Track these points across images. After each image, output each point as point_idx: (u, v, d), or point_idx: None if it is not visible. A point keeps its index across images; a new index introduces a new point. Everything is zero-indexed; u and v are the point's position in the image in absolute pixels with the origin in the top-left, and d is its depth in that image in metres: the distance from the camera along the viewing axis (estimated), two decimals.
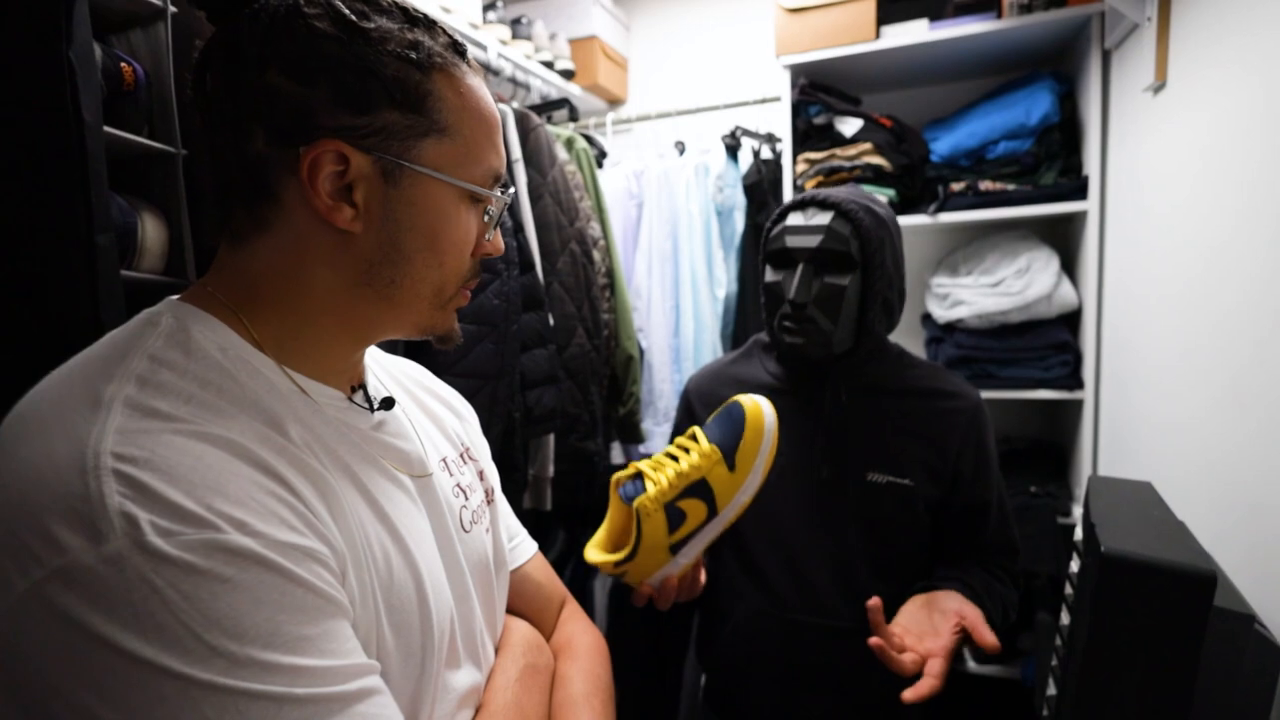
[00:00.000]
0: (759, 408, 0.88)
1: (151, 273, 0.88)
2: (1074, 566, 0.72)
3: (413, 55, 0.49)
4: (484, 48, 1.71)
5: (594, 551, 0.90)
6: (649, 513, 0.85)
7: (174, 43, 0.90)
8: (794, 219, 0.97)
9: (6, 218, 0.73)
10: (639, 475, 0.88)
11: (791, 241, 0.96)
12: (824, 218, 0.94)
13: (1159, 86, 1.21)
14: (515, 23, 1.94)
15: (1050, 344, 1.66)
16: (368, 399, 0.57)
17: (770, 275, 1.00)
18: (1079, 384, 1.63)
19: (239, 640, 0.37)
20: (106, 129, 0.78)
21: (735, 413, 0.88)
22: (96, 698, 0.35)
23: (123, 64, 0.83)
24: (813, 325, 0.95)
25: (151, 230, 0.87)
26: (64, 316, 0.75)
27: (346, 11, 0.47)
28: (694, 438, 0.89)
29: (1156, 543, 0.61)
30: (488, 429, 0.77)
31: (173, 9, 0.89)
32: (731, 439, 0.87)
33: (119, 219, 0.82)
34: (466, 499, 0.63)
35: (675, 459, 0.88)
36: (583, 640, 0.73)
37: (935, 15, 1.68)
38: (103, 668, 0.35)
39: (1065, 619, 0.70)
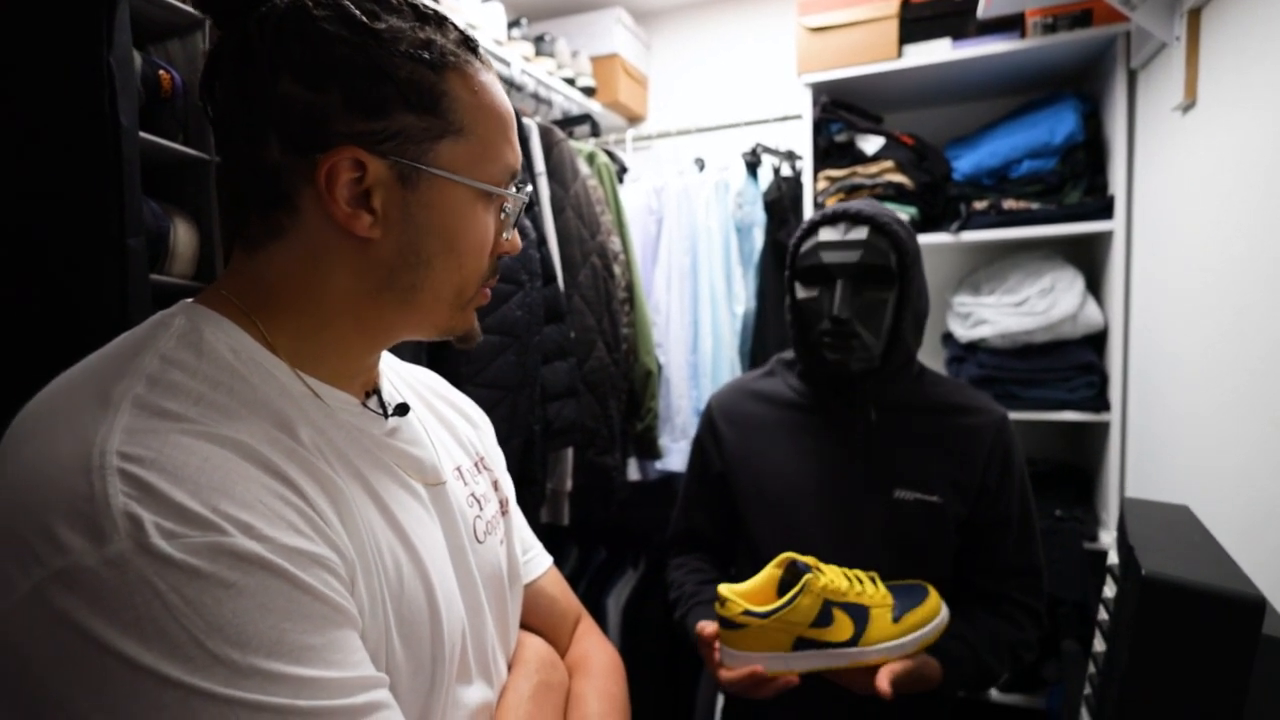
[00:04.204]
0: (940, 602, 0.92)
1: (182, 277, 0.89)
2: (1108, 591, 0.69)
3: (426, 55, 0.47)
4: (508, 64, 1.74)
5: (729, 589, 0.89)
6: (811, 591, 0.84)
7: None
8: (827, 234, 0.96)
9: (40, 218, 0.75)
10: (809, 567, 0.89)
11: (829, 258, 0.95)
12: (861, 232, 0.94)
13: (1189, 105, 1.20)
14: (538, 40, 1.97)
15: (1075, 365, 1.63)
16: (382, 405, 0.56)
17: (804, 292, 0.99)
18: (1105, 405, 1.60)
19: (242, 648, 0.36)
20: (142, 134, 0.79)
21: (920, 591, 0.92)
22: (93, 705, 0.34)
23: (161, 71, 0.84)
24: (857, 340, 0.95)
25: (183, 235, 0.88)
26: (92, 318, 0.75)
27: (356, 12, 0.46)
28: (874, 580, 0.92)
29: (1199, 567, 0.59)
30: (508, 441, 0.77)
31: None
32: (908, 603, 0.90)
33: (152, 223, 0.84)
34: (480, 509, 0.62)
35: (850, 580, 0.90)
36: (598, 658, 0.71)
37: (958, 34, 1.68)
38: (101, 674, 0.34)
39: (1099, 646, 0.68)
